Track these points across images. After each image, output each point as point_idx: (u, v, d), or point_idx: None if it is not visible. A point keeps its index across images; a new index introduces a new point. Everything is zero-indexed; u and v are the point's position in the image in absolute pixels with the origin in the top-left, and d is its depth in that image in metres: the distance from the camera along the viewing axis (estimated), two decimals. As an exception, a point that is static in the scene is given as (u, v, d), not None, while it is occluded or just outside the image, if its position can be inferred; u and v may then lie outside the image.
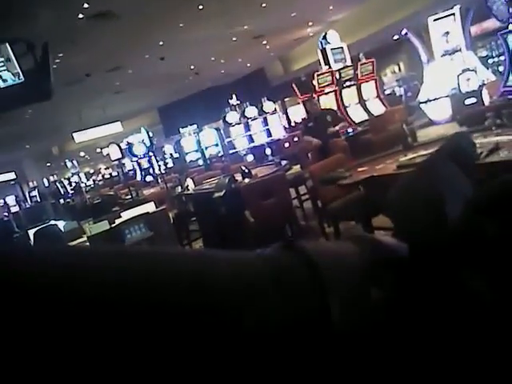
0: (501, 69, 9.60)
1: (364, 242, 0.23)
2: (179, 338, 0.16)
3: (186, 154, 14.40)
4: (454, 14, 9.50)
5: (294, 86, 9.26)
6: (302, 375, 0.18)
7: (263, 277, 0.19)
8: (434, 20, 9.74)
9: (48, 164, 25.51)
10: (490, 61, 12.61)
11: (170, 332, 0.16)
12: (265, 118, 13.07)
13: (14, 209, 17.36)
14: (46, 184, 22.07)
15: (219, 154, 13.76)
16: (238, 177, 4.52)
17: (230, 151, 12.98)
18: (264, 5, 9.90)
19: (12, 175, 20.17)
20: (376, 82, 9.44)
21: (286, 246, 0.22)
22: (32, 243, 4.59)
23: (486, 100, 7.34)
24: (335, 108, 8.88)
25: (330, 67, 9.10)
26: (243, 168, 4.54)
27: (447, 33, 9.58)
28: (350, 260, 0.21)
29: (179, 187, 6.01)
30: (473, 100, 7.82)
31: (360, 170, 3.07)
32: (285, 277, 0.19)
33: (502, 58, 8.86)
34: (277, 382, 0.17)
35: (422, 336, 0.20)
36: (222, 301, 0.18)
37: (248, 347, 0.17)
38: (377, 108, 9.00)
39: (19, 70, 5.26)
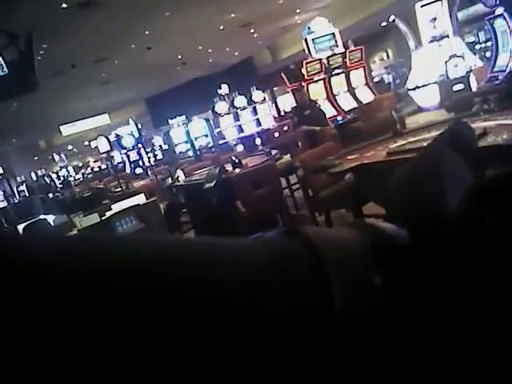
0: (488, 54, 9.64)
1: (364, 228, 0.23)
2: (179, 329, 0.16)
3: (176, 145, 14.31)
4: (441, 0, 9.50)
5: (282, 74, 9.22)
6: (305, 361, 0.18)
7: (264, 261, 0.19)
8: (422, 6, 9.73)
9: (35, 158, 25.19)
10: (477, 46, 12.64)
11: (168, 323, 0.16)
12: (254, 108, 13.01)
13: (2, 204, 17.15)
14: (34, 178, 21.82)
15: (209, 145, 13.70)
16: (229, 167, 4.51)
17: (220, 141, 12.93)
18: (251, -8, 9.81)
19: (-1, 170, 19.91)
20: (365, 70, 9.44)
21: (286, 230, 0.22)
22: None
23: (474, 86, 7.39)
24: (325, 96, 8.88)
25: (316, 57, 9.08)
26: (233, 158, 4.53)
27: (434, 19, 9.59)
28: (351, 244, 0.21)
29: (169, 179, 5.98)
30: (460, 86, 7.86)
31: (350, 157, 3.07)
32: (286, 260, 0.19)
33: (489, 43, 8.90)
34: (280, 370, 0.17)
35: (421, 323, 0.20)
36: (224, 289, 0.18)
37: (250, 334, 0.17)
38: (366, 96, 9.00)
39: (2, 62, 5.17)
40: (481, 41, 13.00)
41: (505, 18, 4.95)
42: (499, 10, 5.03)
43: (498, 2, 4.91)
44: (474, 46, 12.45)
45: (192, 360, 0.16)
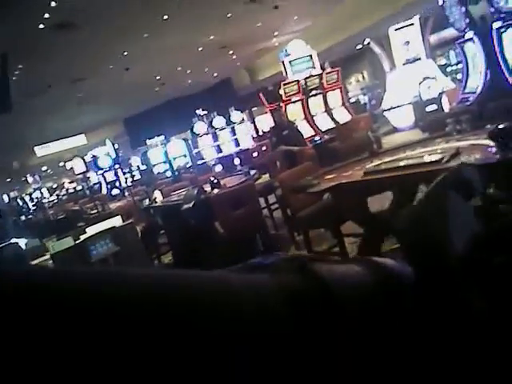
0: (459, 76, 9.98)
1: (372, 265, 0.23)
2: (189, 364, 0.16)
3: (154, 165, 14.22)
4: (413, 24, 9.83)
5: (261, 95, 9.32)
6: None
7: (279, 305, 0.20)
8: (395, 30, 10.05)
9: (8, 179, 24.61)
10: (449, 69, 13.10)
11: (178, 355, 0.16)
12: (233, 128, 13.08)
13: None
14: (7, 200, 21.27)
15: (187, 165, 13.65)
16: (207, 188, 4.48)
17: (199, 162, 12.90)
18: (229, 15, 9.95)
19: (-29, 191, 19.34)
20: (341, 91, 9.62)
21: (299, 268, 0.22)
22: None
23: (446, 107, 7.59)
24: (302, 117, 9.00)
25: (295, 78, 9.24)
26: (212, 179, 4.50)
27: (408, 42, 9.90)
28: (361, 282, 0.22)
29: (147, 200, 5.90)
30: (434, 107, 8.08)
31: (328, 177, 3.08)
32: (301, 302, 0.20)
33: (460, 66, 9.21)
34: None
35: (428, 355, 0.21)
36: (235, 326, 0.18)
37: (263, 374, 0.18)
38: (343, 116, 9.15)
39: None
40: (452, 63, 13.48)
41: (474, 42, 5.12)
42: (469, 34, 5.21)
43: (467, 27, 5.10)
44: (445, 68, 12.89)
45: None
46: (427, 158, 2.46)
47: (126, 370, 0.15)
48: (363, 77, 19.59)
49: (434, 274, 0.23)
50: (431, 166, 2.25)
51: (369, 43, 13.02)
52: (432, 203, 0.28)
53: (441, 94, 8.25)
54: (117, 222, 3.67)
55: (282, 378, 0.18)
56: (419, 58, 9.91)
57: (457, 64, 12.57)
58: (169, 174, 13.53)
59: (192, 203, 4.05)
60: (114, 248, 3.39)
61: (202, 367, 0.16)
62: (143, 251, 4.14)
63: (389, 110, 10.34)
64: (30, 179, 21.24)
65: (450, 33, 10.25)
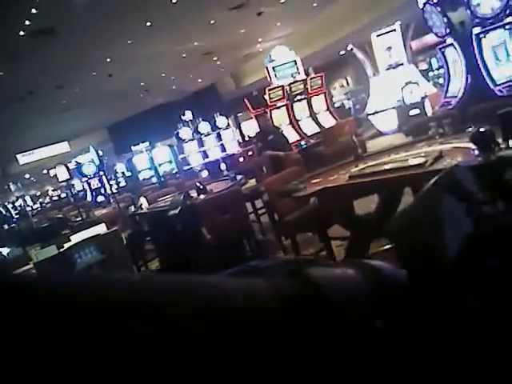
0: (441, 81, 10.15)
1: (365, 268, 0.23)
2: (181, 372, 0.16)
3: (139, 172, 14.11)
4: (395, 30, 9.98)
5: (245, 100, 9.34)
6: None
7: (273, 309, 0.20)
8: (378, 36, 10.19)
9: (-10, 187, 24.17)
10: (431, 74, 13.31)
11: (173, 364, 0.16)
12: (218, 134, 13.07)
13: (-46, 236, 16.26)
14: (-11, 209, 20.86)
15: (173, 171, 13.58)
16: (193, 193, 4.46)
17: (185, 167, 12.85)
18: (212, 21, 9.97)
19: (-49, 201, 18.95)
20: (325, 96, 9.71)
21: (293, 272, 0.22)
22: (-26, 273, 4.29)
23: (429, 111, 7.71)
24: (288, 122, 9.04)
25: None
26: (198, 184, 4.48)
27: (390, 48, 10.04)
28: (355, 288, 0.22)
29: (132, 206, 5.84)
30: (416, 111, 8.20)
31: (314, 181, 3.10)
32: (293, 307, 0.20)
33: (441, 70, 9.37)
34: None
35: (420, 359, 0.21)
36: (229, 331, 0.18)
37: (257, 379, 0.18)
38: (327, 121, 9.23)
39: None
40: (433, 68, 13.71)
41: (455, 48, 5.22)
42: (449, 40, 5.31)
43: (448, 33, 5.19)
44: (427, 73, 13.10)
45: None
46: (411, 162, 2.49)
47: (117, 376, 0.15)
48: (347, 82, 19.80)
49: (427, 276, 0.23)
50: (415, 169, 2.28)
51: (352, 49, 13.17)
52: (425, 205, 0.28)
53: (423, 98, 8.38)
54: (101, 229, 3.63)
55: (277, 382, 0.18)
56: (401, 64, 10.06)
57: (438, 69, 12.79)
58: (155, 180, 13.45)
59: (178, 209, 4.03)
60: (99, 256, 3.35)
61: (197, 372, 0.16)
62: (129, 259, 4.10)
63: (373, 114, 10.46)
64: (12, 187, 20.87)
65: (431, 38, 10.43)
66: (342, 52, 15.47)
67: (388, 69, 10.21)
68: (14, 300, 0.15)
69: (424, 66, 14.06)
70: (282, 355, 0.18)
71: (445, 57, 5.62)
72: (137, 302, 0.17)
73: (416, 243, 0.25)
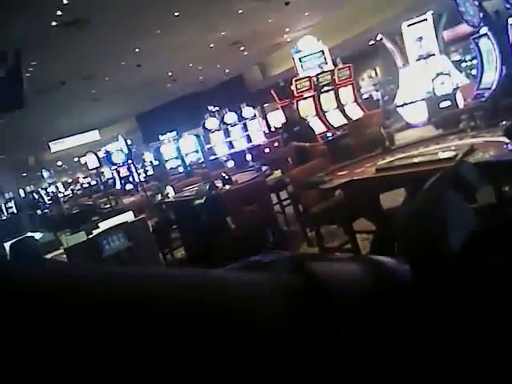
0: (474, 72, 9.85)
1: (368, 264, 0.23)
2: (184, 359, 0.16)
3: (166, 161, 14.29)
4: (426, 20, 9.71)
5: (272, 92, 9.30)
6: None
7: (276, 304, 0.20)
8: (408, 25, 9.94)
9: (24, 174, 24.95)
10: (463, 64, 12.91)
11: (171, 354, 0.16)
12: (244, 124, 13.08)
13: (-10, 221, 16.92)
14: (23, 195, 21.58)
15: (199, 161, 13.70)
16: (219, 183, 4.50)
17: (211, 157, 12.93)
18: (240, 11, 9.93)
19: (-14, 187, 19.65)
20: (353, 87, 9.56)
21: (297, 266, 0.23)
22: (8, 256, 4.46)
23: (461, 103, 7.51)
24: (314, 113, 8.96)
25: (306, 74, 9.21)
26: (223, 174, 4.51)
27: (421, 38, 9.78)
28: (358, 283, 0.22)
29: (159, 195, 5.94)
30: (447, 103, 7.99)
31: (340, 173, 3.08)
32: (296, 302, 0.20)
33: (474, 61, 9.09)
34: None
35: (424, 356, 0.20)
36: (232, 325, 0.18)
37: (256, 369, 0.18)
38: (355, 112, 9.10)
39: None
40: (466, 59, 13.29)
41: (489, 38, 5.05)
42: (483, 30, 5.14)
43: (482, 22, 5.03)
44: (460, 64, 12.71)
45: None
46: (441, 155, 2.44)
47: (119, 372, 0.15)
48: (376, 73, 19.42)
49: (430, 271, 0.23)
50: (445, 163, 2.23)
51: (381, 39, 12.90)
52: (429, 200, 0.28)
53: (455, 89, 8.16)
54: (129, 217, 3.70)
55: (280, 377, 0.18)
56: (433, 54, 9.79)
57: (471, 60, 12.39)
58: (181, 169, 13.60)
59: (204, 199, 4.07)
60: (127, 243, 3.43)
61: (199, 366, 0.16)
62: (155, 246, 4.18)
63: (402, 106, 10.25)
64: (45, 174, 21.51)
65: (464, 28, 10.12)
66: (372, 42, 15.17)
67: (418, 59, 9.96)
68: (17, 295, 0.15)
69: (457, 57, 13.65)
70: (285, 350, 0.18)
71: (478, 47, 5.45)
72: (138, 295, 0.17)
73: (419, 238, 0.25)
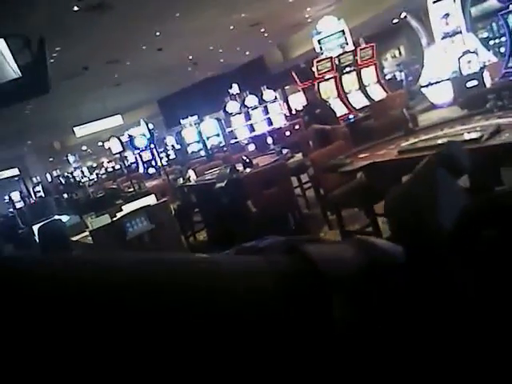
0: (502, 50, 9.49)
1: (361, 244, 0.23)
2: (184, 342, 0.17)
3: (188, 145, 14.37)
4: (453, -5, 9.37)
5: (293, 73, 9.19)
6: (303, 375, 0.18)
7: (269, 285, 0.20)
8: (434, 2, 9.60)
9: (51, 159, 25.53)
10: (492, 42, 12.44)
11: (172, 336, 0.17)
12: (265, 107, 13.00)
13: (19, 204, 17.43)
14: (49, 179, 22.11)
15: (221, 144, 13.72)
16: (240, 167, 4.51)
17: (232, 141, 12.94)
18: (261, -9, 9.80)
19: (15, 171, 20.20)
20: (376, 67, 9.36)
21: (289, 249, 0.23)
22: (37, 238, 4.61)
23: (488, 82, 7.27)
24: (336, 94, 8.84)
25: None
26: (244, 158, 4.52)
27: (447, 15, 9.46)
28: (349, 261, 0.22)
29: (181, 179, 6.00)
30: (474, 82, 7.74)
31: (361, 156, 3.05)
32: (290, 284, 0.20)
33: (503, 39, 8.75)
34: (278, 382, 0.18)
35: (417, 335, 0.21)
36: (225, 309, 0.18)
37: (253, 350, 0.18)
38: (377, 93, 8.93)
39: (16, 66, 5.23)
40: (495, 36, 12.80)
41: (519, 13, 4.86)
42: (513, 5, 4.94)
43: (512, -3, 4.83)
44: (488, 41, 12.25)
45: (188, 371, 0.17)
46: (466, 136, 2.39)
47: (119, 360, 0.16)
48: (400, 52, 18.93)
49: (423, 251, 0.23)
50: (470, 144, 2.18)
51: (405, 17, 12.53)
52: (420, 180, 0.28)
53: (482, 68, 7.89)
54: (151, 200, 3.76)
55: (274, 360, 0.18)
56: (459, 32, 9.47)
57: (500, 37, 11.93)
58: (203, 153, 13.66)
59: (224, 182, 4.10)
60: (149, 225, 3.49)
61: (196, 351, 0.17)
62: (176, 229, 4.24)
63: (426, 86, 9.98)
64: (70, 159, 21.94)
65: (493, 4, 9.73)
66: (396, 20, 14.75)
67: (444, 37, 9.64)
68: (15, 284, 0.16)
69: (485, 34, 13.16)
70: (281, 329, 0.19)
71: (507, 23, 5.24)
72: (135, 280, 0.18)
73: (411, 219, 0.25)
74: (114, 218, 3.43)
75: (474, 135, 2.29)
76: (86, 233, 3.64)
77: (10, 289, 0.15)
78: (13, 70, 5.32)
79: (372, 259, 0.22)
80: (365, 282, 0.21)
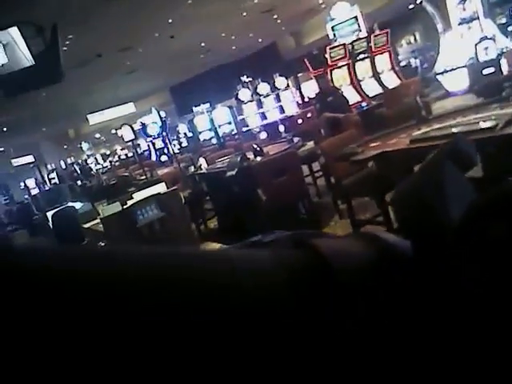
0: (521, 36, 9.26)
1: (369, 240, 0.23)
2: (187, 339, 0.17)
3: (200, 132, 14.37)
4: (471, -20, 9.14)
5: (305, 61, 9.10)
6: (313, 372, 0.18)
7: (279, 280, 0.20)
8: (451, -13, 9.39)
9: (65, 146, 25.79)
10: (510, 28, 12.11)
11: (175, 331, 0.16)
12: (277, 95, 12.90)
13: (34, 191, 17.69)
14: (64, 166, 22.36)
15: (233, 132, 13.69)
16: (250, 155, 4.51)
17: (244, 129, 12.90)
18: (274, -23, 9.67)
19: (30, 158, 20.47)
20: (390, 54, 9.21)
21: (298, 243, 0.23)
22: (51, 224, 4.69)
23: (505, 69, 7.11)
24: (349, 82, 8.73)
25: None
26: (254, 146, 4.51)
27: (464, 0, 9.23)
28: (358, 255, 0.22)
29: (192, 167, 6.02)
30: (491, 70, 7.58)
31: (372, 145, 3.02)
32: (301, 278, 0.20)
33: (522, 24, 8.54)
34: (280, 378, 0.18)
35: (423, 333, 0.20)
36: (236, 304, 0.18)
37: (264, 347, 0.18)
38: (391, 81, 8.80)
39: (29, 54, 5.27)
40: (514, 22, 12.45)
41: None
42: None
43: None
44: (506, 27, 11.93)
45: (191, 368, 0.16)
46: (480, 125, 2.34)
47: (123, 357, 0.15)
48: (415, 38, 18.59)
49: (430, 245, 0.22)
50: (485, 133, 2.15)
51: (421, 2, 12.25)
52: (428, 174, 0.27)
53: (499, 55, 7.71)
54: (162, 188, 3.78)
55: (284, 355, 0.18)
56: (477, 17, 9.24)
57: (519, 22, 11.61)
58: (214, 141, 13.65)
59: (235, 171, 4.10)
60: (159, 214, 3.52)
61: (205, 349, 0.17)
62: (187, 217, 4.27)
63: (442, 73, 9.81)
64: (84, 146, 22.15)
65: (513, -13, 9.47)
66: (411, 6, 14.46)
67: (461, 23, 9.43)
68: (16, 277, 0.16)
69: (503, 20, 12.82)
70: (288, 325, 0.18)
71: (527, 8, 5.10)
72: (141, 275, 0.18)
73: (418, 212, 0.25)
74: (125, 206, 3.46)
75: (488, 124, 2.25)
76: (98, 220, 3.68)
77: (21, 284, 0.15)
78: (26, 58, 5.36)
79: (380, 253, 0.22)
80: (373, 277, 0.21)
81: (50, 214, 4.83)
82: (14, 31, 5.31)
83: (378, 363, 0.19)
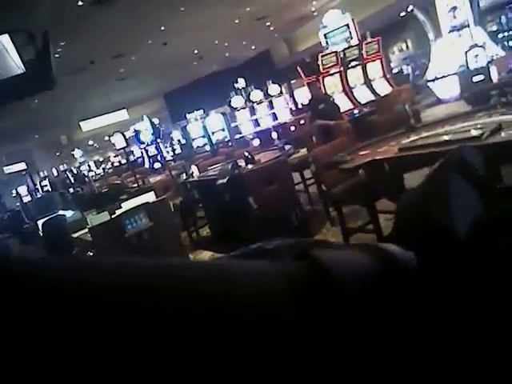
0: (511, 43, 9.36)
1: (373, 251, 0.23)
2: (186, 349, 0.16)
3: (193, 139, 14.35)
4: (461, -12, 9.25)
5: (298, 68, 9.15)
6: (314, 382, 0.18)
7: (279, 291, 0.20)
8: (441, -5, 9.49)
9: (57, 153, 25.67)
10: (501, 35, 12.26)
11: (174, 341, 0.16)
12: (270, 102, 12.94)
13: (26, 199, 17.56)
14: (56, 174, 22.24)
15: (226, 139, 13.70)
16: (242, 163, 4.50)
17: (237, 136, 12.91)
18: (266, -15, 9.73)
19: (23, 165, 20.32)
20: (382, 61, 9.28)
21: (300, 253, 0.22)
22: (41, 233, 4.65)
23: (495, 77, 7.18)
24: (341, 89, 8.77)
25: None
26: (246, 154, 4.51)
27: (454, 8, 9.34)
28: (365, 271, 0.22)
29: (184, 174, 6.01)
30: (480, 77, 7.65)
31: (362, 153, 3.02)
32: (301, 290, 0.20)
33: None
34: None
35: (427, 345, 0.20)
36: (234, 316, 0.18)
37: (264, 358, 0.17)
38: (383, 88, 8.85)
39: (20, 61, 5.25)
40: (504, 29, 12.62)
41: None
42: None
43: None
44: (496, 35, 12.07)
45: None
46: (466, 134, 2.35)
47: (120, 366, 0.15)
48: (407, 46, 18.75)
49: (435, 257, 0.22)
50: (470, 142, 2.15)
51: (412, 10, 12.38)
52: (433, 186, 0.27)
53: (489, 63, 7.79)
54: (151, 197, 3.76)
55: (284, 366, 0.17)
56: (467, 25, 9.34)
57: (509, 30, 11.76)
58: (208, 148, 13.64)
59: (226, 178, 4.09)
60: (148, 223, 3.50)
61: (200, 360, 0.16)
62: (176, 226, 4.24)
63: (433, 80, 9.89)
64: (77, 153, 22.03)
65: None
66: (403, 14, 14.60)
67: (452, 31, 9.53)
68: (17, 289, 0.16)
69: (494, 27, 12.97)
70: (288, 337, 0.18)
71: (515, 17, 5.16)
72: (139, 286, 0.17)
73: (424, 224, 0.24)
74: (113, 216, 3.44)
75: (474, 133, 2.26)
76: (85, 230, 3.65)
77: (15, 292, 0.15)
78: (17, 65, 5.33)
79: (383, 265, 0.22)
80: (376, 289, 0.20)
81: (40, 223, 4.80)
82: (4, 39, 5.29)
83: (380, 374, 0.19)
